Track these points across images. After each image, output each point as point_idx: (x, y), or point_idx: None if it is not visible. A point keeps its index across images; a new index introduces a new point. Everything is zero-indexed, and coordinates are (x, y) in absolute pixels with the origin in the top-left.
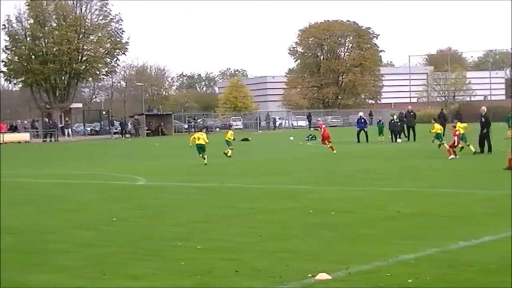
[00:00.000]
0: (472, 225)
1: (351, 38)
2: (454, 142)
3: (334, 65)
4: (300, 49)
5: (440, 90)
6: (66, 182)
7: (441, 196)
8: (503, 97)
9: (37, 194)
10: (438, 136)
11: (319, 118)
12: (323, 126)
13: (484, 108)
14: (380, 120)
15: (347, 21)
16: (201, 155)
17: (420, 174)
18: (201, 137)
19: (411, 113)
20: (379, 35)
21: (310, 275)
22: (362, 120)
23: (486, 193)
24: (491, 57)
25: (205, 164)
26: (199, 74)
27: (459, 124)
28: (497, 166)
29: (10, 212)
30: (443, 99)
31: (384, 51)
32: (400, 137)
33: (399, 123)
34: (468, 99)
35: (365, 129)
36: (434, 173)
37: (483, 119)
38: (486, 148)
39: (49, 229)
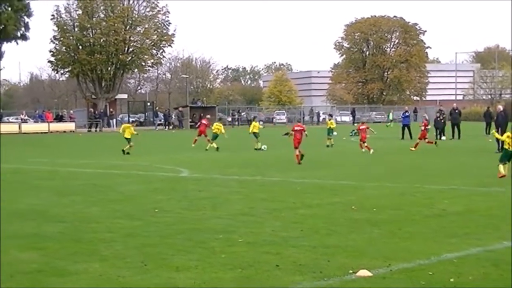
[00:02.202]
0: None
1: (397, 34)
2: None
3: (380, 61)
4: (346, 44)
5: (486, 88)
6: (111, 172)
7: (488, 195)
8: None
9: (84, 184)
10: None
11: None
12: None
13: (500, 107)
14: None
15: (394, 16)
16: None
17: (467, 172)
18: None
19: (456, 111)
20: (426, 31)
21: (351, 271)
22: (407, 114)
23: None
24: None
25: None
26: (244, 67)
27: None
28: None
29: (59, 200)
30: (490, 97)
31: (430, 48)
32: (444, 135)
33: (442, 121)
34: None
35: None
36: (481, 171)
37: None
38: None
39: (95, 218)
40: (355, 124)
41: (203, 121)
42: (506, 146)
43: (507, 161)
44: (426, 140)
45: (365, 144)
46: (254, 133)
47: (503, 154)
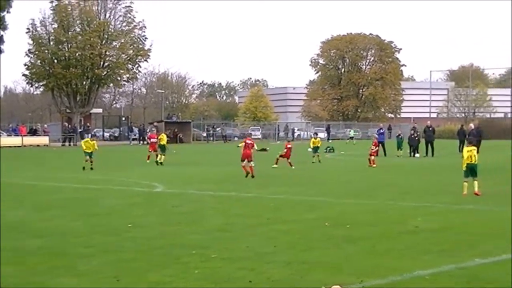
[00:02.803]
0: (491, 243)
1: (373, 51)
2: None
3: (355, 78)
4: (321, 61)
5: (460, 106)
6: (88, 187)
7: (462, 212)
8: None
9: (63, 199)
10: None
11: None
12: (288, 146)
13: (471, 125)
14: (399, 134)
15: (370, 34)
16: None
17: (442, 189)
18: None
19: (430, 128)
20: (401, 49)
21: (323, 286)
22: (382, 131)
23: (509, 210)
24: None
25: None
26: (220, 83)
27: None
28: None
29: (39, 215)
30: (463, 115)
31: (405, 66)
32: (418, 152)
33: (416, 138)
34: (488, 116)
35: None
36: (455, 189)
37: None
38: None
39: (74, 233)
40: (330, 141)
41: (152, 138)
42: (468, 161)
43: (471, 175)
44: (372, 158)
45: (289, 161)
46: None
47: (465, 170)
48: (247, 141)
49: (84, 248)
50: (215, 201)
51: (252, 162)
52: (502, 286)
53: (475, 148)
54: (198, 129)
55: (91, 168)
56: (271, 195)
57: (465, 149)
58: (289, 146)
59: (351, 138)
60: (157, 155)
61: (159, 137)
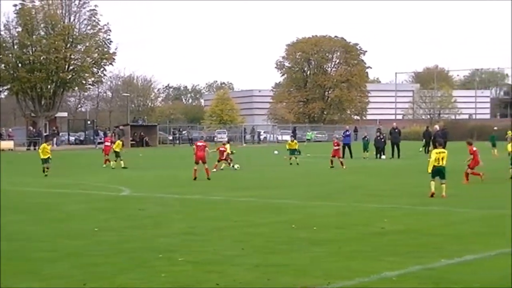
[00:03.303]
0: (457, 243)
1: (338, 53)
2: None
3: (321, 80)
4: (287, 64)
5: (425, 108)
6: (55, 191)
7: (428, 214)
8: (488, 116)
9: (30, 203)
10: None
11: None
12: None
13: (436, 127)
14: (365, 136)
15: (335, 36)
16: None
17: (408, 191)
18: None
19: (396, 130)
20: (366, 51)
21: None
22: (348, 133)
23: (474, 212)
24: (477, 76)
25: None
26: (186, 86)
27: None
28: (487, 185)
29: (4, 219)
30: (429, 116)
31: (371, 68)
32: (384, 154)
33: (382, 140)
34: (453, 117)
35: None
36: (422, 190)
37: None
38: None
39: (40, 237)
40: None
41: (107, 141)
42: (436, 163)
43: (439, 177)
44: (339, 158)
45: (224, 162)
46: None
47: (433, 171)
48: (198, 144)
49: (50, 252)
50: (182, 204)
51: (206, 164)
52: (468, 287)
53: (445, 150)
54: (164, 132)
55: (46, 175)
56: (238, 198)
57: (434, 151)
58: (221, 149)
59: (308, 140)
60: (106, 161)
61: (114, 144)
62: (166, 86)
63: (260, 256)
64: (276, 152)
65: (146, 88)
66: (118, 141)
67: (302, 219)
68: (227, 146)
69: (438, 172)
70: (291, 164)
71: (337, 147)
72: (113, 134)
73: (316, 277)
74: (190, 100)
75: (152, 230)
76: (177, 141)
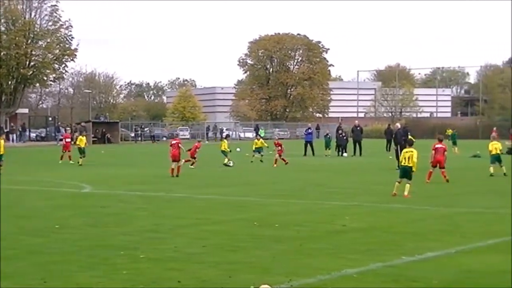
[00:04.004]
0: (418, 241)
1: (301, 51)
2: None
3: (284, 78)
4: (250, 61)
5: (387, 106)
6: (14, 188)
7: (389, 212)
8: (449, 115)
9: None
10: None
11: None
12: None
13: (397, 125)
14: (327, 134)
15: (298, 34)
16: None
17: (369, 189)
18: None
19: (358, 128)
20: (329, 49)
21: (252, 286)
22: (310, 131)
23: (435, 209)
24: (439, 75)
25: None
26: (148, 83)
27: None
28: (450, 183)
29: None
30: (390, 114)
31: (333, 66)
32: (346, 151)
33: (344, 137)
34: (415, 115)
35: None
36: (383, 188)
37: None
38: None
39: None
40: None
41: (66, 138)
42: (403, 162)
43: (404, 177)
44: (282, 158)
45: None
46: (222, 151)
47: (400, 170)
48: (173, 142)
49: (9, 250)
50: (144, 201)
51: (180, 162)
52: (428, 284)
53: (413, 150)
54: (126, 129)
55: None
56: (200, 196)
57: (404, 150)
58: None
59: (261, 137)
60: (69, 157)
61: (77, 140)
62: (128, 83)
63: (221, 254)
64: (238, 149)
65: (108, 85)
66: (81, 137)
67: (264, 217)
68: (225, 142)
69: (404, 171)
70: (252, 162)
71: (279, 147)
72: (72, 131)
73: (278, 275)
74: (152, 97)
75: (113, 227)
76: (139, 138)
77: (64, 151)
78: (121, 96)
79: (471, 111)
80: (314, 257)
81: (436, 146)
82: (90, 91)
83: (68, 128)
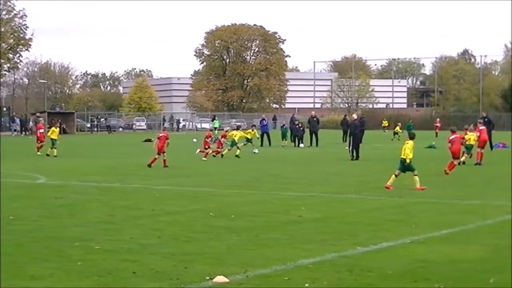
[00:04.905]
0: (373, 231)
1: (257, 42)
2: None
3: (240, 69)
4: (206, 52)
5: (344, 97)
6: None
7: (345, 202)
8: (405, 106)
9: None
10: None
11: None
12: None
13: (354, 115)
14: (283, 125)
15: (254, 25)
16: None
17: (325, 179)
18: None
19: (315, 119)
20: (285, 40)
21: (208, 277)
22: (265, 122)
23: (390, 200)
24: (394, 66)
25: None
26: (104, 73)
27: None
28: (404, 174)
29: None
30: (347, 105)
31: (290, 56)
32: (302, 142)
33: (301, 128)
34: (371, 106)
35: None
36: (339, 179)
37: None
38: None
39: None
40: (216, 131)
41: (40, 128)
42: (404, 157)
43: (407, 170)
44: (209, 150)
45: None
46: (233, 140)
47: (399, 163)
48: (160, 135)
49: None
50: (99, 192)
51: (164, 155)
52: (382, 274)
53: (410, 142)
54: (82, 119)
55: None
56: (155, 186)
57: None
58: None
59: (215, 128)
60: (38, 148)
61: (50, 132)
62: (84, 73)
63: (177, 245)
64: (194, 140)
65: (63, 75)
66: (53, 128)
67: (219, 207)
68: (235, 132)
69: (402, 164)
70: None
71: (207, 139)
72: (34, 122)
73: (233, 266)
74: (109, 88)
75: (68, 218)
76: (95, 129)
77: (39, 142)
78: (77, 86)
79: (426, 102)
80: (270, 248)
81: (451, 137)
82: (45, 81)
83: (41, 119)
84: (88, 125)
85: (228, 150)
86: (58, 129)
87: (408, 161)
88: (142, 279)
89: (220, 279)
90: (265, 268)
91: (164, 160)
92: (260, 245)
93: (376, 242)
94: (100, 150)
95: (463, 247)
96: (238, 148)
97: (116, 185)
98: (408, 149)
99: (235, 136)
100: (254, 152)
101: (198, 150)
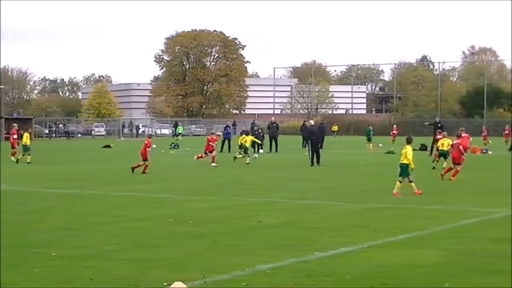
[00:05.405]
0: (332, 236)
1: (217, 48)
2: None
3: (200, 75)
4: (166, 57)
5: (303, 103)
6: None
7: (305, 208)
8: (364, 111)
9: None
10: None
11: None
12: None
13: (311, 121)
14: (243, 131)
15: (214, 31)
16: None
17: (285, 185)
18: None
19: (274, 124)
20: (245, 46)
21: (165, 283)
22: (228, 129)
23: (349, 206)
24: (354, 72)
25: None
26: (63, 79)
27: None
28: (364, 179)
29: None
30: (306, 111)
31: (250, 62)
32: (262, 148)
33: (261, 134)
34: (330, 112)
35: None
36: (299, 184)
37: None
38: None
39: None
40: (177, 137)
41: (13, 134)
42: (403, 161)
43: (405, 175)
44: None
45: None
46: (240, 144)
47: (401, 170)
48: (145, 141)
49: None
50: (59, 199)
51: (147, 161)
52: (340, 279)
53: (409, 147)
54: (40, 125)
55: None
56: (117, 193)
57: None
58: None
59: (179, 134)
60: (12, 154)
61: (23, 137)
62: (42, 79)
63: (136, 251)
64: (154, 146)
65: (21, 80)
66: (26, 134)
67: (179, 214)
68: (246, 137)
69: (401, 169)
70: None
71: (211, 143)
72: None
73: (192, 272)
74: (67, 93)
75: (27, 225)
76: (54, 135)
77: (13, 147)
78: (35, 92)
79: (385, 108)
80: (228, 254)
81: (453, 142)
82: (2, 86)
83: (15, 124)
84: (46, 131)
85: (242, 157)
86: (29, 133)
87: (413, 166)
88: (100, 285)
89: (177, 285)
90: (223, 274)
91: (145, 167)
92: (219, 251)
93: (334, 248)
94: (59, 156)
95: (419, 252)
96: (248, 156)
97: (76, 192)
98: (410, 155)
99: (245, 142)
100: (255, 158)
101: (196, 156)
